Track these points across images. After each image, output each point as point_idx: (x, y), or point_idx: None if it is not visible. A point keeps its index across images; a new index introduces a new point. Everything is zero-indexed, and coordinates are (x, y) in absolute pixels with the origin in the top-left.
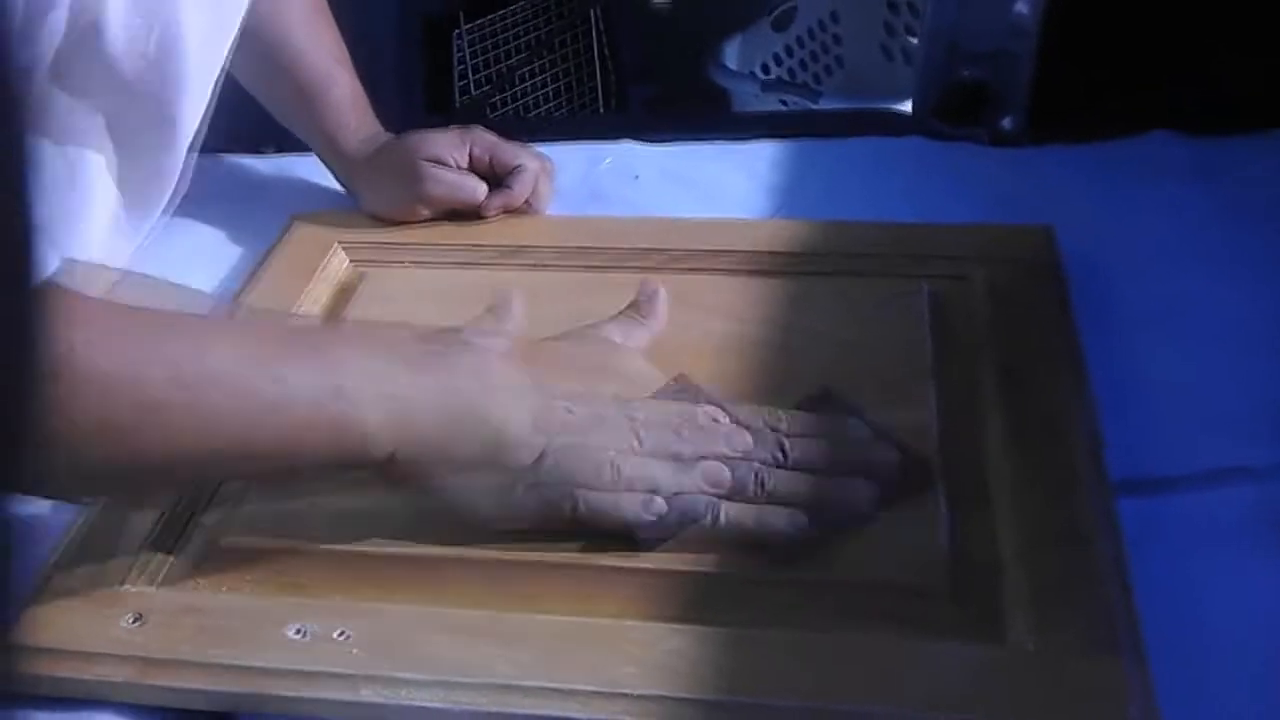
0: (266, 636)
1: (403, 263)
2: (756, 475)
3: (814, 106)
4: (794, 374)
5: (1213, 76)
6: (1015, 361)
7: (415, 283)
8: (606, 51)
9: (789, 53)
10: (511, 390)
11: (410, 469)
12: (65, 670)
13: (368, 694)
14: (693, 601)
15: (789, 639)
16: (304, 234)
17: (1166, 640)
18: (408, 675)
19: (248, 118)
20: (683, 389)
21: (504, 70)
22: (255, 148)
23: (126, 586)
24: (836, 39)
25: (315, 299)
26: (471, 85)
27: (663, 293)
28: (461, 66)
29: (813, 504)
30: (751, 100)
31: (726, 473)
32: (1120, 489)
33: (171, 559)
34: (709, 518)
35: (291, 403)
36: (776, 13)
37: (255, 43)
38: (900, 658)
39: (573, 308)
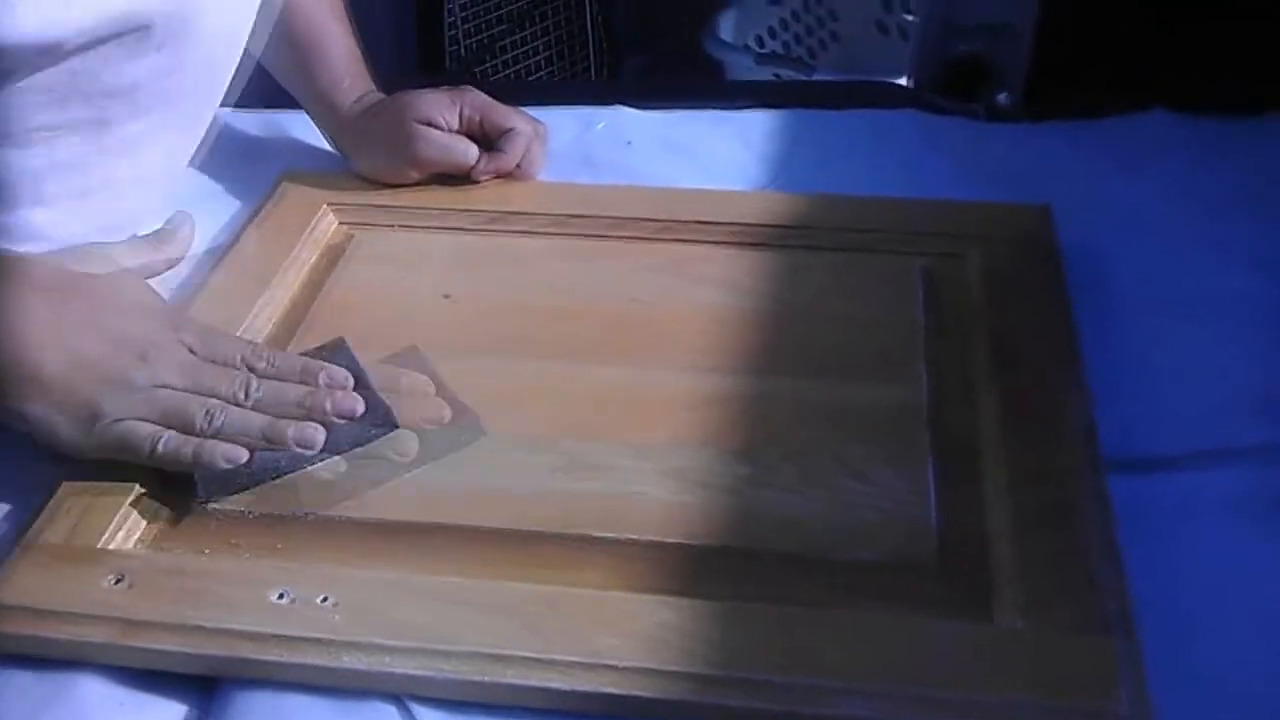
0: (249, 600)
1: (391, 225)
2: (207, 411)
3: (808, 80)
4: (785, 347)
5: (1214, 56)
6: (1008, 340)
7: (404, 245)
8: (599, 19)
9: (784, 26)
10: (122, 326)
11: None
12: (45, 630)
13: (349, 660)
14: (679, 574)
15: (776, 613)
16: (293, 194)
17: (1156, 619)
18: (390, 642)
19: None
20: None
21: (495, 35)
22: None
23: (108, 546)
24: (832, 14)
25: (303, 260)
26: (463, 49)
27: (190, 225)
28: (453, 31)
29: (258, 444)
30: (745, 72)
31: (171, 404)
32: (1111, 468)
33: (154, 520)
34: (147, 445)
35: None
36: None
37: None
38: (889, 633)
39: (562, 274)
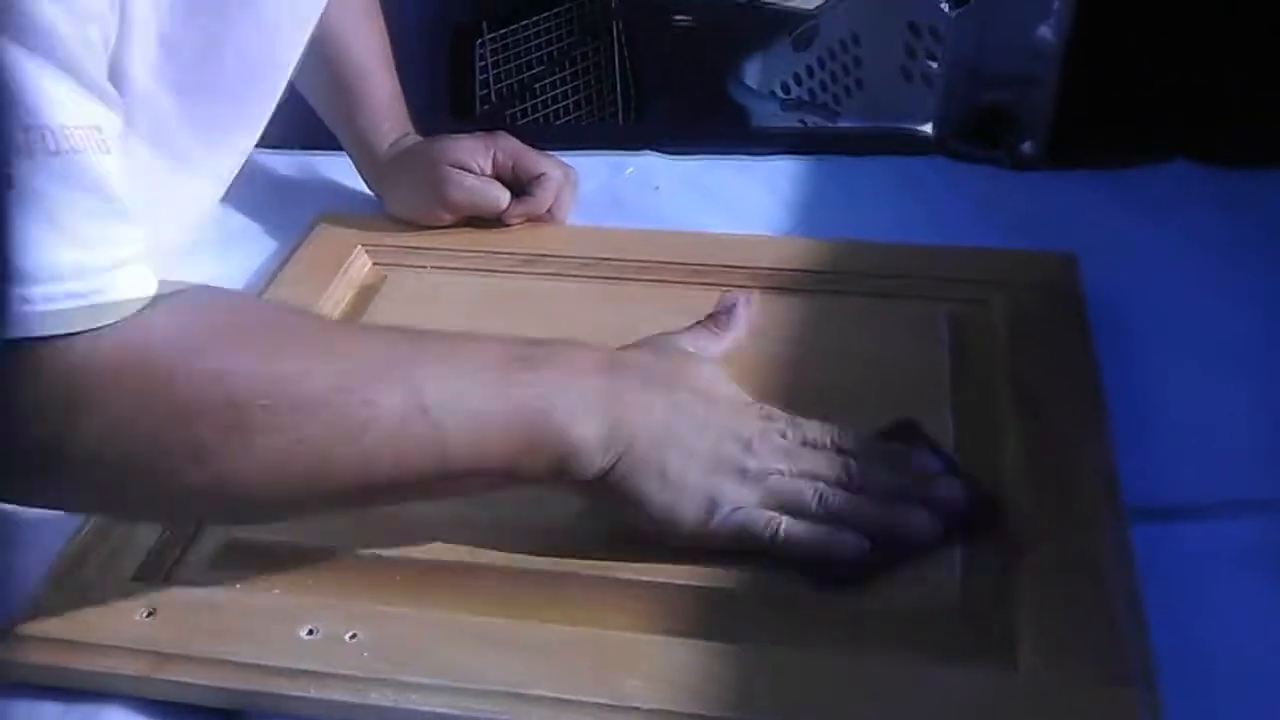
0: (278, 635)
1: (424, 266)
2: (819, 494)
3: (832, 126)
4: (810, 392)
5: (1235, 107)
6: (1032, 386)
7: (435, 286)
8: (628, 66)
9: (809, 73)
10: (725, 415)
11: (620, 487)
12: (77, 662)
13: (376, 697)
14: (705, 618)
15: (801, 658)
16: (328, 234)
17: (1178, 669)
18: (416, 680)
19: (276, 115)
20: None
21: (525, 80)
22: (284, 145)
23: (141, 580)
24: (857, 60)
25: (337, 299)
26: (493, 94)
27: (743, 303)
28: (484, 75)
29: (874, 529)
30: (771, 119)
31: (785, 490)
32: (1135, 516)
33: (186, 554)
34: (768, 532)
35: (527, 426)
36: (797, 32)
37: None
38: (911, 680)
39: (591, 318)
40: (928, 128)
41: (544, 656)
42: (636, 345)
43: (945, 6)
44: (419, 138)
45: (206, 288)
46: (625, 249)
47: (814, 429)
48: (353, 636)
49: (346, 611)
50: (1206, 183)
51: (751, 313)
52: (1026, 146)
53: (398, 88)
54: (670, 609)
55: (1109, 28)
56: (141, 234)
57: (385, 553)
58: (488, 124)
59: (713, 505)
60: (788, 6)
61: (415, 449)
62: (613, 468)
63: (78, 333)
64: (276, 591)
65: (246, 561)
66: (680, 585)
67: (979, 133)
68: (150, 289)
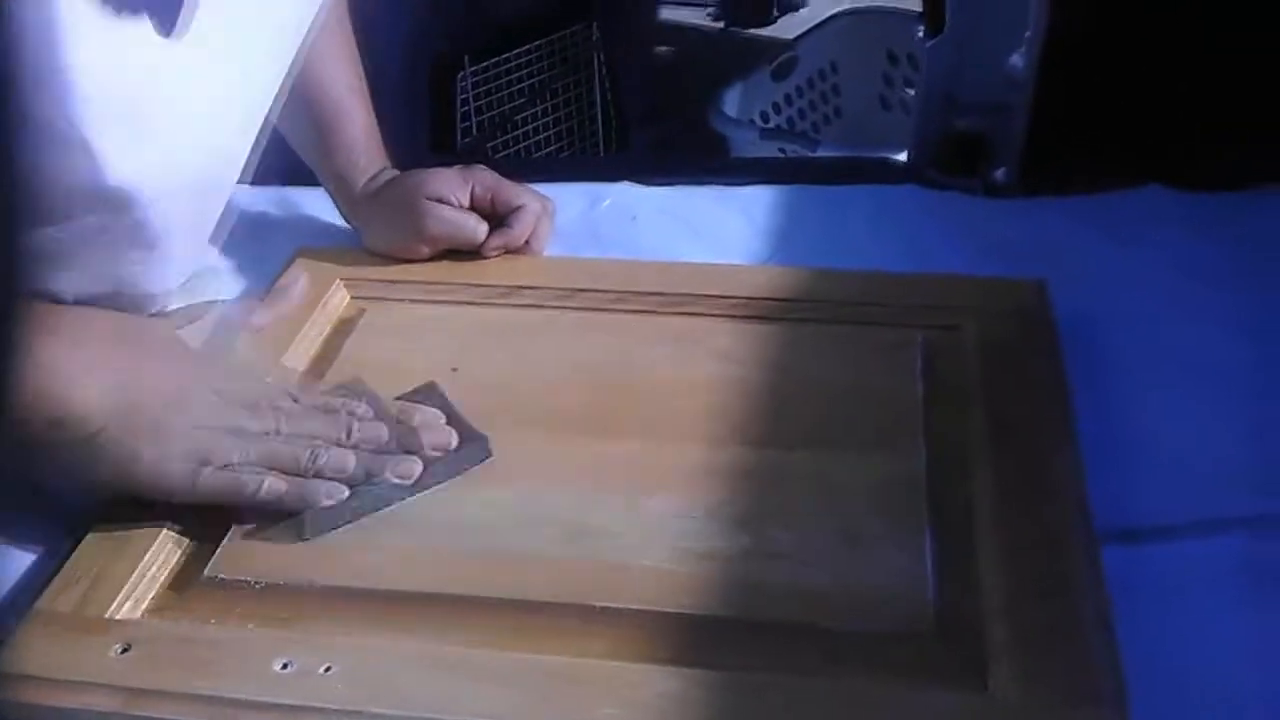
0: (252, 669)
1: (401, 300)
2: (311, 453)
3: (812, 155)
4: (786, 419)
5: (1205, 132)
6: (1005, 412)
7: (413, 319)
8: (609, 96)
9: (788, 101)
10: (234, 383)
11: (112, 444)
12: (51, 699)
13: None
14: (681, 644)
15: (777, 683)
16: (306, 269)
17: (1149, 690)
18: (392, 712)
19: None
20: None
21: (507, 112)
22: (262, 181)
23: (116, 615)
24: (835, 89)
25: (315, 334)
26: (474, 126)
27: (303, 282)
28: (465, 108)
29: (356, 479)
30: (750, 147)
31: (276, 450)
32: (1105, 538)
33: (161, 588)
34: (251, 489)
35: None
36: (777, 62)
37: None
38: (885, 703)
39: (568, 346)
40: (904, 155)
41: (521, 686)
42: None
43: (920, 35)
44: (396, 172)
45: None
46: (602, 279)
47: (328, 394)
48: (328, 669)
49: (321, 644)
50: (1178, 207)
51: (301, 292)
52: (1000, 173)
53: (374, 123)
54: (647, 636)
55: (1080, 55)
56: None
57: (359, 584)
58: (469, 156)
59: (202, 463)
60: (767, 36)
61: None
62: (107, 426)
63: None
64: (251, 626)
65: (220, 596)
66: (656, 612)
67: (953, 160)
68: None
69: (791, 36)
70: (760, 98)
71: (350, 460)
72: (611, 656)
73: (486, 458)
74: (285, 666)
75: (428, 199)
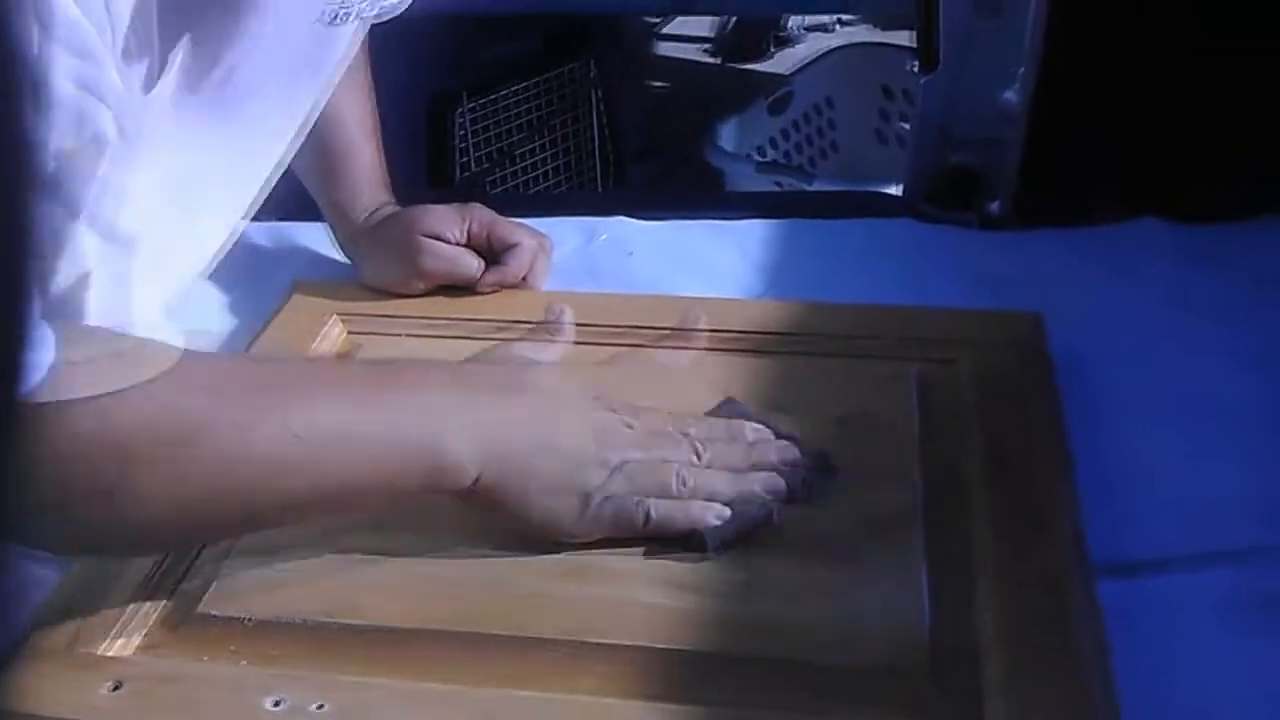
0: (245, 707)
1: (398, 334)
2: (679, 475)
3: (808, 188)
4: None
5: (1200, 164)
6: (1001, 445)
7: (409, 353)
8: (606, 132)
9: (785, 136)
10: (576, 413)
11: (495, 493)
12: None
13: None
14: (675, 680)
15: (770, 719)
16: (303, 303)
17: None
18: None
19: None
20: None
21: (505, 148)
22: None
23: (108, 653)
24: (831, 123)
25: None
26: (472, 162)
27: (570, 313)
28: (463, 144)
29: (731, 497)
30: (747, 181)
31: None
32: (1101, 570)
33: (152, 625)
34: (642, 516)
35: (395, 446)
36: (773, 97)
37: None
38: None
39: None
40: (897, 190)
41: None
42: (476, 357)
43: (914, 70)
44: (396, 207)
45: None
46: (597, 313)
47: (653, 417)
48: (320, 707)
49: (314, 682)
50: (1173, 239)
51: (573, 317)
52: (994, 207)
53: (380, 159)
54: (639, 672)
55: (1074, 89)
56: None
57: (352, 621)
58: (466, 192)
59: (586, 499)
60: (763, 71)
61: (291, 477)
62: (483, 475)
63: None
64: (244, 663)
65: (213, 633)
66: (649, 648)
67: (948, 194)
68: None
69: (787, 71)
70: (757, 132)
71: (719, 480)
72: (603, 693)
73: (834, 475)
74: (278, 704)
75: (423, 235)
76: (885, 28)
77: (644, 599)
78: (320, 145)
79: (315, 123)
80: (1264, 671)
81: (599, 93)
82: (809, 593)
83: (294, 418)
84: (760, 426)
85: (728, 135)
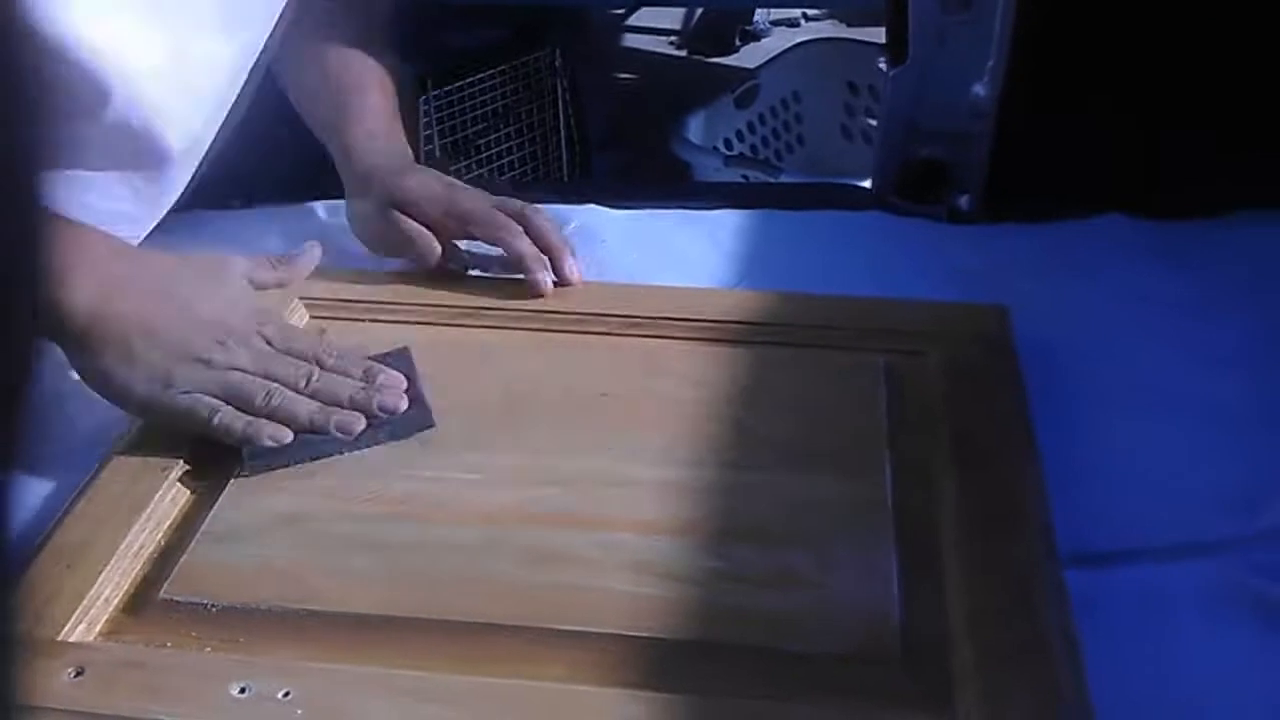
0: (209, 694)
1: (362, 319)
2: (267, 393)
3: (774, 182)
4: (750, 442)
5: (1166, 161)
6: (969, 436)
7: (374, 338)
8: (572, 123)
9: (751, 129)
10: (212, 307)
11: (93, 341)
12: None
13: None
14: (645, 667)
15: (739, 707)
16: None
17: (1115, 714)
18: None
19: (215, 173)
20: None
21: (470, 136)
22: (223, 203)
23: (69, 638)
24: (798, 118)
25: None
26: (437, 150)
27: (315, 253)
28: (428, 132)
29: (303, 427)
30: (713, 174)
31: (236, 383)
32: (1068, 561)
33: (114, 610)
34: (207, 415)
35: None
36: (740, 90)
37: (308, 45)
38: None
39: (532, 368)
40: (867, 183)
41: (481, 711)
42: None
43: (883, 65)
44: (405, 158)
45: None
46: (567, 301)
47: (301, 341)
48: (285, 694)
49: (279, 668)
50: (1139, 235)
51: (315, 260)
52: (963, 201)
53: (390, 109)
54: (609, 659)
55: (1042, 84)
56: None
57: (318, 608)
58: None
59: (165, 384)
60: (729, 65)
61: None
62: (90, 329)
63: None
64: (208, 649)
65: (176, 618)
66: (619, 635)
67: (916, 187)
68: None
69: (754, 65)
70: (723, 125)
71: (302, 409)
72: (572, 680)
73: (428, 427)
74: (243, 691)
75: (395, 205)
76: (851, 23)
77: (615, 586)
78: (334, 90)
79: (331, 70)
80: (1233, 661)
81: (564, 83)
82: (780, 581)
83: None
84: (398, 375)
85: (694, 128)
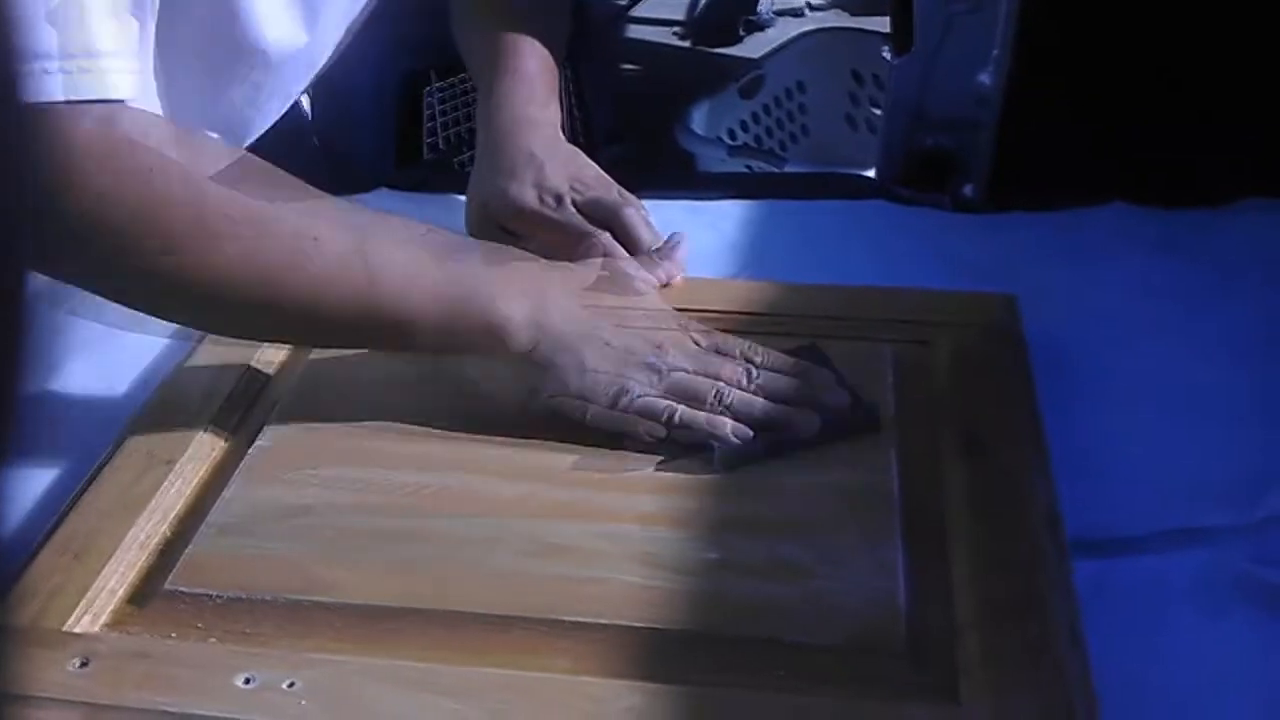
0: (214, 685)
1: None
2: (716, 391)
3: (779, 172)
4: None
5: (1172, 149)
6: (975, 426)
7: None
8: (576, 114)
9: (755, 119)
10: (516, 290)
11: (543, 357)
12: (8, 715)
13: None
14: (649, 658)
15: (743, 699)
16: None
17: (1121, 703)
18: None
19: None
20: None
21: (474, 127)
22: None
23: (74, 629)
24: (802, 108)
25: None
26: (440, 141)
27: (686, 242)
28: (431, 123)
29: (760, 425)
30: (718, 164)
31: (686, 385)
32: (1076, 551)
33: (119, 601)
34: (665, 415)
35: (455, 287)
36: (744, 80)
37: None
38: (857, 719)
39: None
40: (872, 172)
41: (485, 701)
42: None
43: (887, 53)
44: (546, 128)
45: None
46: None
47: (727, 341)
48: (290, 685)
49: (284, 659)
50: (1144, 224)
51: (686, 250)
52: (968, 189)
53: (548, 77)
54: (614, 651)
55: (1047, 73)
56: (126, 35)
57: (322, 598)
58: (435, 171)
59: (621, 391)
60: (734, 55)
61: (351, 286)
62: (536, 347)
63: (58, 103)
64: (212, 640)
65: (181, 609)
66: (624, 627)
67: (921, 176)
68: (131, 90)
69: (758, 56)
70: (728, 116)
71: (757, 405)
72: (576, 671)
73: (876, 428)
74: (248, 682)
75: (492, 216)
76: (855, 13)
77: (619, 577)
78: (493, 40)
79: (494, 28)
80: (1237, 650)
81: (568, 74)
82: (785, 572)
83: (371, 243)
84: (827, 372)
85: (699, 119)
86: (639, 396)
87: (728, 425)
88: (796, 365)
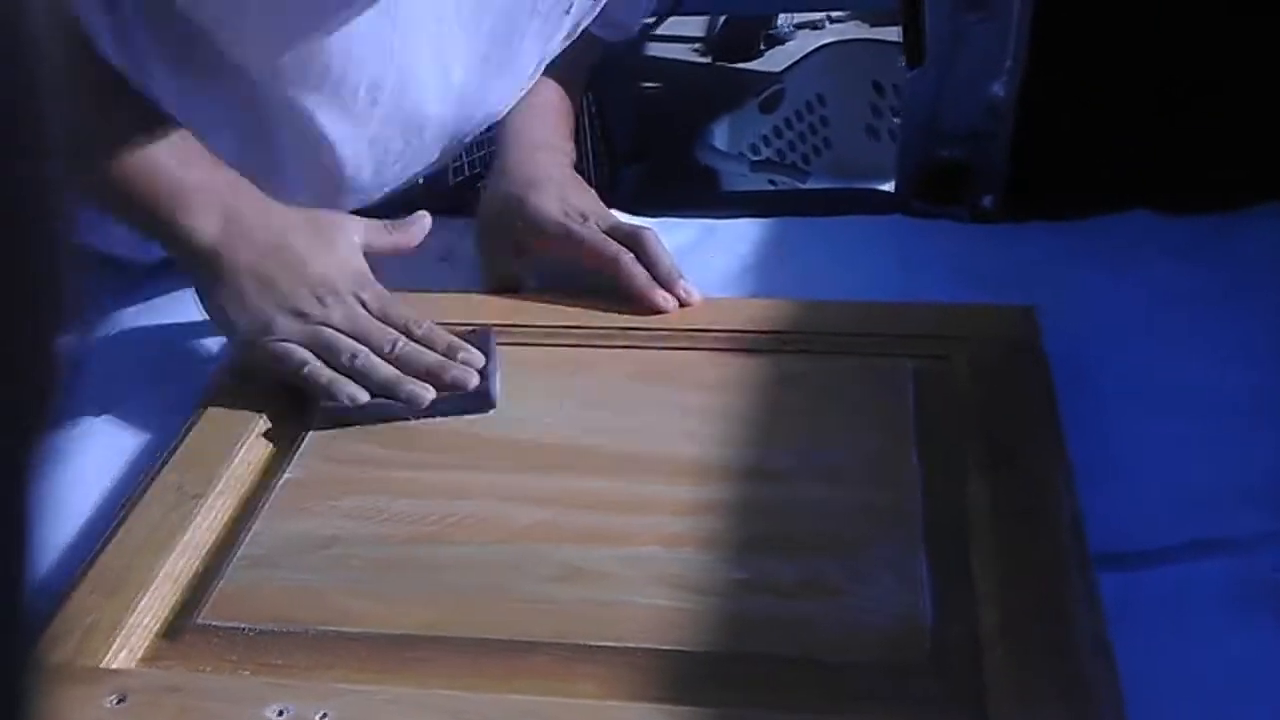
0: (248, 717)
1: None
2: (353, 352)
3: (802, 185)
4: (777, 451)
5: (1191, 156)
6: (997, 439)
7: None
8: (598, 133)
9: (777, 134)
10: (318, 267)
11: (211, 272)
12: None
13: None
14: (675, 681)
15: (774, 719)
16: None
17: (1149, 714)
18: None
19: None
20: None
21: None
22: None
23: (110, 665)
24: (824, 120)
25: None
26: (465, 166)
27: (425, 221)
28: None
29: (378, 389)
30: (740, 180)
31: (327, 339)
32: (1101, 563)
33: (153, 636)
34: (298, 364)
35: (167, 179)
36: (764, 95)
37: None
38: None
39: (556, 382)
40: (890, 186)
41: None
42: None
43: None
44: (561, 155)
45: None
46: (590, 315)
47: (395, 310)
48: (323, 716)
49: (316, 690)
50: (1165, 232)
51: (426, 228)
52: (986, 201)
53: (565, 112)
54: (639, 674)
55: (1062, 82)
56: None
57: (352, 629)
58: (459, 194)
59: (265, 329)
60: (754, 70)
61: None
62: (214, 260)
63: None
64: (245, 672)
65: (214, 643)
66: (649, 650)
67: (939, 189)
68: None
69: (778, 69)
70: (749, 131)
71: (380, 373)
72: (604, 695)
73: (487, 409)
74: (281, 713)
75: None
76: (875, 24)
77: (641, 600)
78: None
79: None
80: (1264, 657)
81: (590, 94)
82: (808, 590)
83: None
84: (478, 354)
85: (720, 134)
86: (278, 340)
87: (346, 387)
88: (453, 345)
